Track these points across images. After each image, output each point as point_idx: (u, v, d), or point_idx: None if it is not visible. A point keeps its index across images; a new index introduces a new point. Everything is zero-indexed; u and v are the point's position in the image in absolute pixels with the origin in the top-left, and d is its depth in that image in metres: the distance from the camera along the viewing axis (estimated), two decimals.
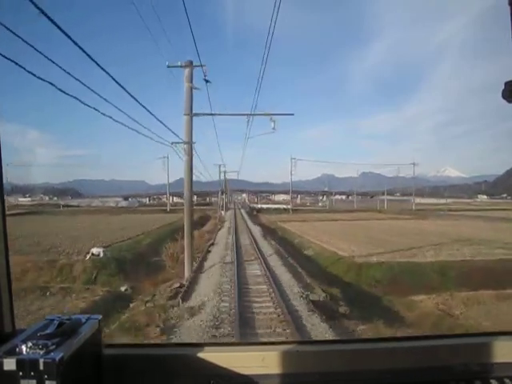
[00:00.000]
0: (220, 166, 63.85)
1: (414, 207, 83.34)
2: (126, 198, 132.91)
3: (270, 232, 32.86)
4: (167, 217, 46.48)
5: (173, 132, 13.85)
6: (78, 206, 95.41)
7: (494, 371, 1.42)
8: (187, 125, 14.02)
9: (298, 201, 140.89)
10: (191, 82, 13.71)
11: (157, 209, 75.47)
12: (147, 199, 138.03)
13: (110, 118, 8.70)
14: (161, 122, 11.98)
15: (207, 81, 13.60)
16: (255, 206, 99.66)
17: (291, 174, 78.46)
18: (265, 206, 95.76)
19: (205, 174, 55.78)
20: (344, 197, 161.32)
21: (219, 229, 35.64)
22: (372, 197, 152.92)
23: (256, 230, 33.00)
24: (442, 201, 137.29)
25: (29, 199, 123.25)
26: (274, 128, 14.07)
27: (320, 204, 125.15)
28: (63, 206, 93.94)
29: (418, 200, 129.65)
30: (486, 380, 1.39)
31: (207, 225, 41.99)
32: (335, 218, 48.64)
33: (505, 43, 1.16)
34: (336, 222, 42.91)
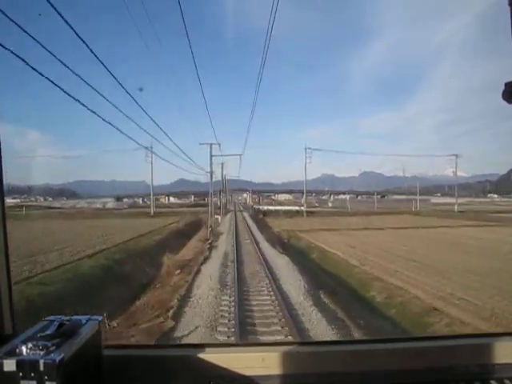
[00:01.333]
0: (211, 145, 39.05)
1: (456, 208, 65.23)
2: (118, 199, 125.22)
3: (305, 263, 17.80)
4: (146, 224, 35.58)
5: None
6: (59, 208, 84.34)
7: (495, 372, 1.40)
8: None
9: (303, 201, 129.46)
10: None
11: (143, 211, 62.84)
12: (141, 200, 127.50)
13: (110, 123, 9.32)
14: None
15: None
16: (260, 207, 79.50)
17: (305, 169, 62.31)
18: (272, 207, 76.69)
19: (203, 173, 48.11)
20: (348, 196, 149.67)
21: (207, 255, 19.62)
22: (383, 196, 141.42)
23: (279, 262, 17.35)
24: (459, 200, 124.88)
25: (17, 200, 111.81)
26: None
27: (330, 204, 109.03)
28: (44, 207, 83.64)
29: (436, 200, 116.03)
30: (487, 381, 1.37)
31: (193, 240, 27.36)
32: (377, 226, 34.97)
33: (505, 43, 1.16)
34: (384, 232, 29.85)
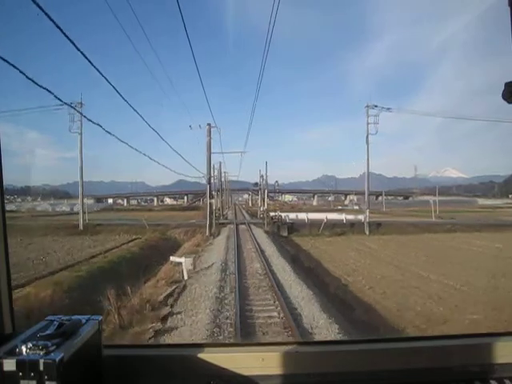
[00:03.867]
0: (210, 126, 31.84)
1: None
2: (99, 200, 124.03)
3: None
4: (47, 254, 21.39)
5: None
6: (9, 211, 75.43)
7: (494, 372, 1.44)
8: None
9: (315, 203, 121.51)
10: None
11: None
12: (125, 201, 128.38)
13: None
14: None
15: None
16: (280, 215, 41.52)
17: (368, 143, 35.02)
18: (302, 214, 44.72)
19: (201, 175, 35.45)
20: (355, 197, 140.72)
21: None
22: (406, 198, 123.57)
23: None
24: (497, 201, 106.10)
25: None
26: None
27: (355, 207, 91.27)
28: None
29: (485, 201, 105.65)
30: (486, 381, 1.40)
31: None
32: None
33: (505, 44, 1.18)
34: None
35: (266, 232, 33.62)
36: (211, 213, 32.85)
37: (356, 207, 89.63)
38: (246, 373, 1.40)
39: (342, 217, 41.87)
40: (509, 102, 1.18)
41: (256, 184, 51.59)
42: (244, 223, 41.35)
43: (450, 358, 1.47)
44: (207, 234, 30.06)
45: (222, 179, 67.46)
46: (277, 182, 41.61)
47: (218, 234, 31.11)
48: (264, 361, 1.40)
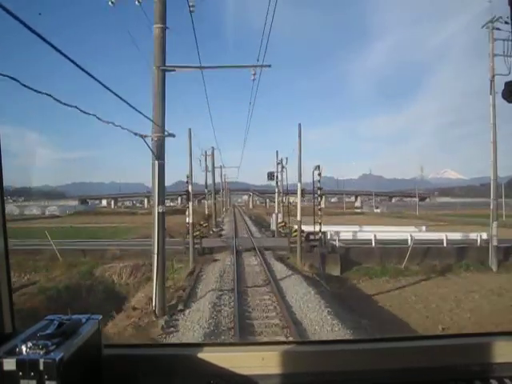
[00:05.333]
0: None
1: None
2: (84, 201, 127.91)
3: None
4: None
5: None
6: None
7: (494, 371, 1.44)
8: None
9: (322, 204, 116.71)
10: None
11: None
12: (112, 202, 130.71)
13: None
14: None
15: None
16: (324, 233, 21.27)
17: (493, 93, 18.50)
18: (356, 229, 28.22)
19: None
20: (359, 198, 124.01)
21: None
22: (422, 199, 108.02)
23: None
24: None
25: None
26: None
27: (377, 210, 79.33)
28: None
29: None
30: (486, 380, 1.41)
31: None
32: None
33: (505, 43, 1.59)
34: None
35: (310, 279, 15.54)
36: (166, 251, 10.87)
37: (377, 210, 78.69)
38: (246, 372, 1.40)
39: (438, 235, 24.43)
40: (509, 102, 1.18)
41: (271, 174, 31.03)
42: (253, 249, 21.69)
43: (450, 358, 1.48)
44: (154, 316, 9.66)
45: (218, 179, 50.51)
46: (318, 169, 20.32)
47: (188, 306, 11.32)
48: (264, 360, 1.41)
